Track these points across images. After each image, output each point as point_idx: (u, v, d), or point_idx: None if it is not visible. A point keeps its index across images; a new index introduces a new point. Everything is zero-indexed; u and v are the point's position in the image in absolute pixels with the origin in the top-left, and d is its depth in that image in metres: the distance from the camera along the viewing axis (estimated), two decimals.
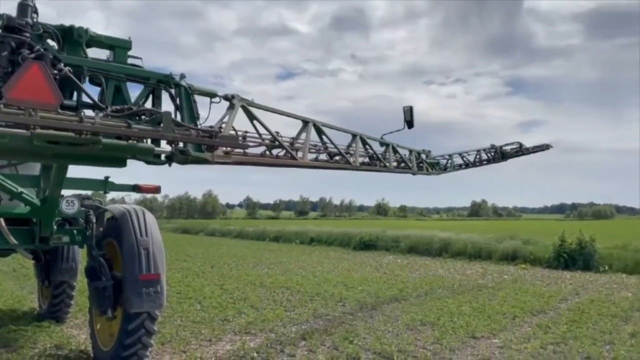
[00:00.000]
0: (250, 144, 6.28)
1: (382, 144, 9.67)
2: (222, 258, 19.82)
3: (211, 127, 5.39)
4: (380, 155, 9.42)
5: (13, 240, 6.73)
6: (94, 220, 6.44)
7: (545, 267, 17.18)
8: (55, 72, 4.18)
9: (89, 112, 4.49)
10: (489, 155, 12.82)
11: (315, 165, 7.82)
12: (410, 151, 10.75)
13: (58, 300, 8.17)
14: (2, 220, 6.39)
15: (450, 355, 6.61)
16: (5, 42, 4.00)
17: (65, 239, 6.65)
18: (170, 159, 4.99)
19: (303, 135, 7.33)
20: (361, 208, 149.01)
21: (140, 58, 5.31)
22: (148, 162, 5.31)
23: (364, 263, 18.47)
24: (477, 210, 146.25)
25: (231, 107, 5.67)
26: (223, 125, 5.48)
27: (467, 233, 24.39)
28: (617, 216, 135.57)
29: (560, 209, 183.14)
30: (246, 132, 6.29)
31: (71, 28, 4.62)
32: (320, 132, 7.74)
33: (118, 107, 4.53)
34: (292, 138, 7.28)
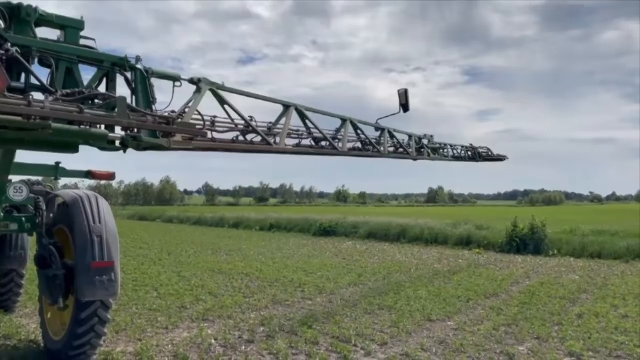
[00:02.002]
0: (219, 129, 6.08)
1: (377, 128, 9.39)
2: (180, 245, 19.52)
3: (172, 111, 5.24)
4: (374, 140, 9.15)
5: None
6: (44, 207, 6.20)
7: (498, 251, 17.74)
8: (2, 52, 3.98)
9: (38, 95, 4.30)
10: (468, 153, 13.04)
11: (294, 151, 7.49)
12: (410, 136, 10.49)
13: (6, 289, 7.85)
14: None
15: (407, 338, 6.75)
16: None
17: (13, 226, 6.37)
18: (124, 145, 4.82)
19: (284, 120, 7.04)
20: (321, 195, 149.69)
21: (93, 39, 5.09)
22: (101, 148, 5.12)
23: (323, 249, 18.58)
24: (433, 197, 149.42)
25: (198, 90, 5.47)
26: (187, 110, 5.30)
27: (424, 219, 24.90)
28: (565, 202, 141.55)
29: (512, 195, 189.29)
30: (214, 116, 6.07)
31: (19, 6, 4.40)
32: (303, 117, 7.44)
33: (69, 91, 4.35)
34: (270, 123, 7.02)
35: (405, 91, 9.13)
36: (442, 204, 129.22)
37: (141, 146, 4.86)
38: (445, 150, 12.12)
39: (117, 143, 4.86)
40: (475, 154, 13.19)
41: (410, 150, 10.20)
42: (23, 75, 4.45)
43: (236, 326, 7.25)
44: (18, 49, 4.15)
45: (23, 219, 6.36)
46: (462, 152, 12.84)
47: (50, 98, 4.11)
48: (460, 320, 7.73)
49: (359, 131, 8.75)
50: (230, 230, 28.96)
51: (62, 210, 5.90)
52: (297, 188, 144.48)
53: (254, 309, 8.41)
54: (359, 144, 9.01)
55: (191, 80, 5.49)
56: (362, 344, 6.39)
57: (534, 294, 9.84)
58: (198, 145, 5.52)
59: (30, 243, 7.70)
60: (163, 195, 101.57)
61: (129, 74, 4.93)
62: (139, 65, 4.91)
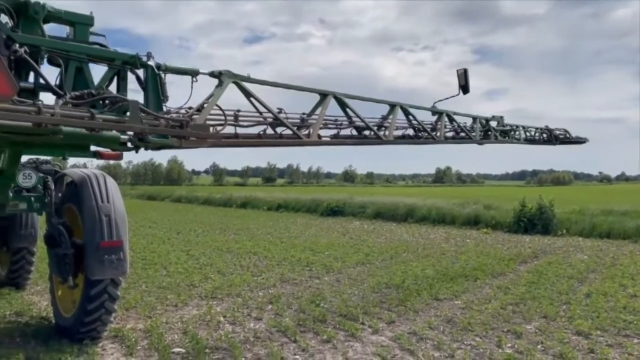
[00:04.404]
0: (244, 123, 5.69)
1: (434, 112, 8.60)
2: (189, 224, 19.64)
3: (190, 108, 5.05)
4: (428, 126, 8.40)
5: None
6: (53, 187, 6.23)
7: (506, 231, 17.70)
8: (9, 53, 3.85)
9: (47, 95, 4.23)
10: (543, 136, 12.01)
11: (329, 142, 6.88)
12: (474, 119, 9.70)
13: (17, 266, 7.94)
14: None
15: (415, 317, 6.78)
16: None
17: (23, 206, 6.42)
18: (137, 146, 4.73)
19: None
20: (329, 175, 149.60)
21: (104, 35, 4.94)
22: (113, 149, 5.10)
23: (330, 229, 18.62)
24: (441, 177, 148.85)
25: (220, 84, 5.10)
26: (205, 106, 5.03)
27: (432, 199, 24.85)
28: (574, 182, 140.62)
29: (521, 175, 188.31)
30: (238, 111, 5.68)
31: (26, 3, 4.26)
32: (343, 105, 6.82)
33: (78, 93, 4.20)
34: (303, 114, 6.54)
35: (465, 71, 8.44)
36: (449, 184, 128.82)
37: (150, 147, 4.78)
38: (517, 132, 11.15)
39: (128, 144, 4.79)
40: (552, 137, 12.03)
41: (473, 134, 9.38)
42: (32, 73, 4.33)
43: (245, 304, 7.31)
44: (27, 49, 4.00)
45: (32, 198, 6.40)
46: (537, 134, 11.78)
47: (61, 102, 3.96)
48: (467, 299, 7.75)
49: (410, 117, 8.00)
50: (238, 210, 29.09)
51: (70, 190, 5.92)
52: (304, 168, 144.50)
53: (262, 287, 8.47)
54: (410, 131, 8.27)
55: (212, 74, 5.14)
56: (370, 322, 6.42)
57: (542, 273, 9.82)
58: (215, 144, 5.27)
59: (40, 222, 7.77)
60: (171, 175, 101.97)
61: (140, 72, 4.72)
62: (150, 62, 4.68)
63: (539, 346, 5.65)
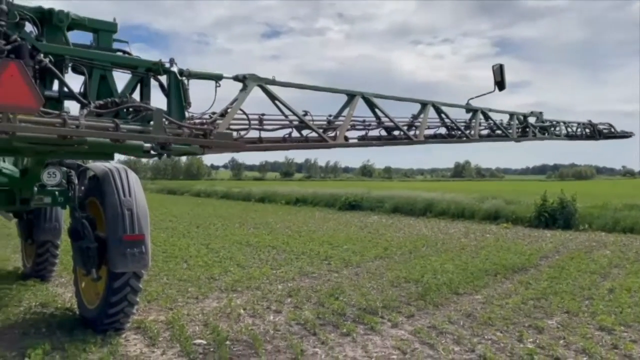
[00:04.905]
0: (269, 127, 5.66)
1: (468, 110, 8.32)
2: (208, 218, 19.83)
3: (214, 113, 5.03)
4: (462, 124, 8.13)
5: None
6: (76, 182, 6.34)
7: (527, 226, 17.48)
8: (34, 63, 3.87)
9: (70, 102, 4.27)
10: (585, 131, 11.36)
11: (356, 144, 6.75)
12: (511, 115, 9.33)
13: (42, 259, 8.12)
14: None
15: (434, 311, 6.75)
16: None
17: (47, 200, 6.56)
18: (160, 154, 4.74)
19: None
20: (346, 170, 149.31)
21: (127, 42, 4.94)
22: (136, 156, 5.14)
23: (349, 223, 18.61)
24: (460, 172, 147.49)
25: (244, 88, 5.04)
26: (229, 111, 4.99)
27: (451, 193, 24.65)
28: (597, 177, 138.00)
29: (542, 170, 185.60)
30: (263, 114, 5.63)
31: (50, 12, 4.28)
32: (372, 105, 6.62)
33: (102, 102, 4.22)
34: (330, 116, 6.41)
35: (501, 67, 8.15)
36: (468, 178, 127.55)
37: (173, 154, 4.81)
38: (558, 128, 10.65)
39: (151, 151, 4.82)
40: (595, 132, 11.43)
41: (510, 131, 9.03)
42: (56, 82, 4.32)
43: (264, 297, 7.36)
44: (51, 58, 4.02)
45: (56, 192, 6.53)
46: (579, 130, 11.18)
47: (85, 112, 3.99)
48: (488, 294, 7.69)
49: (442, 115, 7.75)
50: (256, 205, 29.25)
51: (93, 184, 6.01)
52: (322, 163, 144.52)
53: (281, 280, 8.51)
54: (442, 130, 8.01)
55: (236, 78, 5.07)
56: (389, 316, 6.41)
57: (563, 268, 9.69)
58: (239, 149, 5.27)
59: (64, 215, 7.93)
60: (191, 170, 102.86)
61: (163, 79, 4.68)
62: (173, 68, 4.62)
63: (561, 341, 5.58)
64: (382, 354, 5.16)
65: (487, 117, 8.61)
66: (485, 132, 8.77)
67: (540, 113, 10.16)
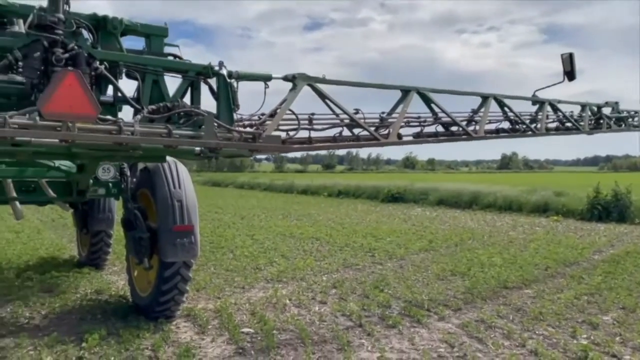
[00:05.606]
0: (319, 127, 5.57)
1: (534, 102, 7.92)
2: (252, 210, 20.11)
3: (263, 114, 5.05)
4: (528, 118, 7.74)
5: (52, 194, 7.01)
6: (128, 173, 6.54)
7: (579, 219, 16.88)
8: (91, 70, 3.98)
9: (126, 109, 4.41)
10: None
11: (410, 142, 6.53)
12: (583, 106, 8.88)
13: (96, 248, 8.46)
14: None
15: (482, 305, 6.62)
16: (38, 42, 3.80)
17: (101, 191, 6.81)
18: (209, 157, 4.86)
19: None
20: (388, 162, 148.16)
21: (177, 46, 5.01)
22: (187, 159, 5.24)
23: (392, 215, 18.48)
24: (507, 163, 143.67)
25: (293, 88, 4.97)
26: (278, 112, 4.95)
27: (497, 185, 24.07)
28: None
29: (593, 161, 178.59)
30: (312, 114, 5.55)
31: (105, 19, 4.39)
32: (428, 101, 6.32)
33: (155, 107, 4.29)
34: (383, 113, 6.23)
35: (570, 55, 7.77)
36: (516, 170, 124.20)
37: (221, 156, 4.89)
38: (637, 119, 10.02)
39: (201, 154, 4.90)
40: None
41: (581, 124, 8.53)
42: (111, 87, 4.42)
43: (309, 288, 7.41)
44: (107, 65, 4.12)
45: (110, 184, 6.77)
46: None
47: (139, 117, 4.10)
48: (538, 288, 7.47)
49: (506, 109, 7.37)
50: (299, 197, 29.45)
51: (144, 176, 6.18)
52: (364, 155, 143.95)
53: (325, 272, 8.55)
54: (505, 124, 7.57)
55: (285, 78, 5.00)
56: (436, 309, 6.33)
57: (618, 263, 9.30)
58: (288, 150, 5.28)
59: (116, 206, 8.22)
60: (234, 163, 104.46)
61: (213, 82, 4.70)
62: (222, 71, 4.63)
63: (617, 338, 5.37)
64: (430, 346, 5.10)
65: (555, 110, 8.17)
66: (553, 125, 8.31)
67: (616, 103, 9.59)
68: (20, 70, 3.86)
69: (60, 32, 3.87)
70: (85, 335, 5.08)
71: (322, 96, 5.23)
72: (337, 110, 5.43)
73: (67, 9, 4.02)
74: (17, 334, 5.23)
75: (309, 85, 5.05)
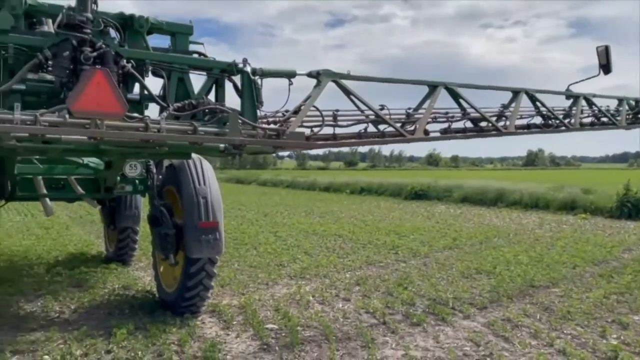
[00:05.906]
0: (343, 123, 5.50)
1: (568, 96, 7.65)
2: (275, 207, 20.21)
3: (287, 111, 5.05)
4: (561, 113, 7.46)
5: (80, 190, 7.17)
6: (154, 171, 6.64)
7: (607, 217, 16.51)
8: (118, 68, 4.04)
9: (152, 106, 4.48)
10: None
11: (438, 138, 6.36)
12: (620, 100, 8.57)
13: (123, 244, 8.61)
14: None
15: (508, 303, 6.52)
16: (67, 41, 3.87)
17: (128, 188, 6.94)
18: (233, 154, 4.85)
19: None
20: (411, 159, 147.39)
21: (202, 44, 5.05)
22: (212, 156, 5.27)
23: (415, 212, 18.36)
24: (533, 160, 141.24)
25: (318, 84, 4.92)
26: (302, 108, 4.93)
27: (523, 183, 23.68)
28: None
29: (623, 157, 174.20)
30: (337, 110, 5.47)
31: (132, 17, 4.44)
32: (456, 96, 6.18)
33: (180, 105, 4.35)
34: (409, 109, 6.06)
35: (606, 48, 7.47)
36: (542, 167, 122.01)
37: (244, 153, 4.91)
38: None
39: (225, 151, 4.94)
40: None
41: (618, 118, 8.22)
42: (137, 85, 4.49)
43: (332, 285, 7.41)
44: (133, 63, 4.18)
45: (136, 181, 6.88)
46: None
47: (165, 114, 4.16)
48: (566, 287, 7.33)
49: (538, 103, 7.13)
50: (321, 194, 29.48)
51: (170, 173, 6.26)
52: (386, 152, 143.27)
53: (348, 269, 8.54)
54: (537, 119, 7.35)
55: (310, 75, 4.95)
56: (461, 307, 6.27)
57: None
58: (311, 148, 5.24)
59: (142, 203, 8.35)
60: (257, 160, 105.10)
61: (237, 79, 4.71)
62: (246, 68, 4.63)
63: None
64: (455, 345, 5.06)
65: (590, 104, 7.91)
66: (588, 120, 8.04)
67: None
68: (50, 69, 3.96)
69: (89, 31, 3.94)
70: (114, 329, 5.17)
71: (347, 92, 5.19)
72: (362, 107, 5.37)
73: (95, 8, 4.09)
74: (47, 328, 5.35)
75: (334, 81, 5.03)
